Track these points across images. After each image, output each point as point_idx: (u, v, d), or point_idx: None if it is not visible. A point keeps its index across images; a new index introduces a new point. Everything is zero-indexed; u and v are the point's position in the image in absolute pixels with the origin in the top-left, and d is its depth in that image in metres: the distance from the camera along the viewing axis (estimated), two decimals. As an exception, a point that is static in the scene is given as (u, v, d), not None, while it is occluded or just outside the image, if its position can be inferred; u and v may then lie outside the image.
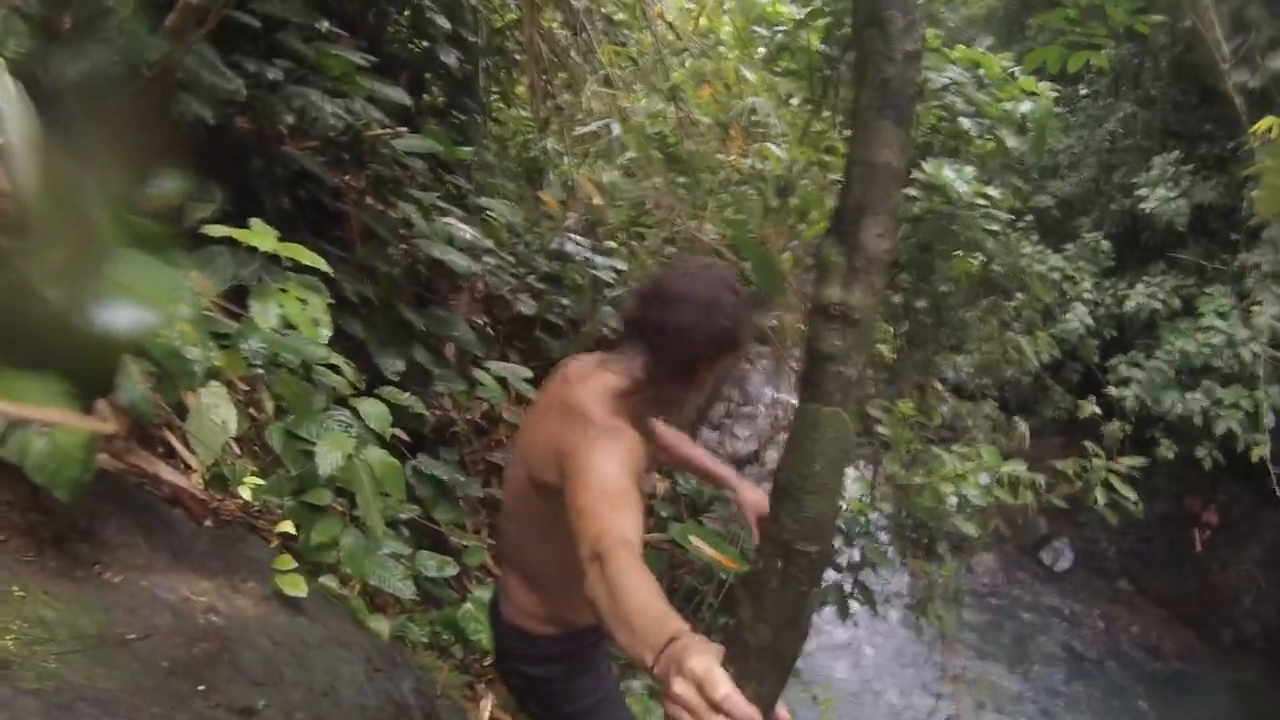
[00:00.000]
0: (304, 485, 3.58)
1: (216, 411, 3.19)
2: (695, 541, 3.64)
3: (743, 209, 6.87)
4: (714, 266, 2.56)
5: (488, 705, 4.21)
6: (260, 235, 3.66)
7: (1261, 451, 10.15)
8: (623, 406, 2.37)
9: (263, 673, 2.81)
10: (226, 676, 2.67)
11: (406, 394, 4.48)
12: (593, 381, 2.43)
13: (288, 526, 3.54)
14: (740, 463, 7.03)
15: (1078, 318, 12.44)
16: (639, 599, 1.75)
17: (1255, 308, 10.81)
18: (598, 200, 7.23)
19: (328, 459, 3.31)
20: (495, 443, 5.76)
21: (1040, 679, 10.98)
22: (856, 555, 5.07)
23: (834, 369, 2.16)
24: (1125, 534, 12.52)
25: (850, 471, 5.54)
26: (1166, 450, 11.27)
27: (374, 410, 3.77)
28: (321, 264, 3.71)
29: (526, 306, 6.39)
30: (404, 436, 4.54)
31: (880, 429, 5.25)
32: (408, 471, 4.62)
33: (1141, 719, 10.73)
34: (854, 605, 5.10)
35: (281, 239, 3.70)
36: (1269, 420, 10.42)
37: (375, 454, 3.54)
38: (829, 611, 5.25)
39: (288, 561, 3.29)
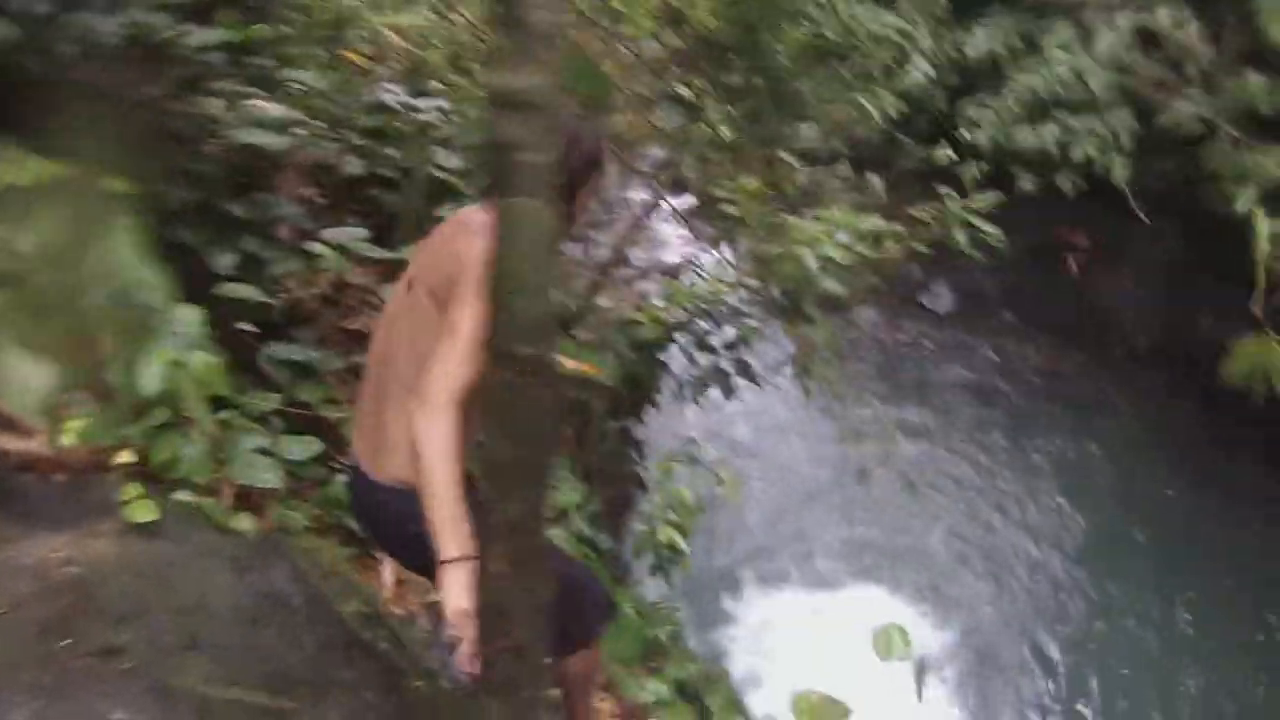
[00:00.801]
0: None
1: (17, 370, 3.10)
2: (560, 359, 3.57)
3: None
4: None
5: (388, 570, 4.15)
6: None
7: (1121, 173, 10.32)
8: None
9: (126, 607, 2.78)
10: (90, 622, 2.67)
11: (245, 287, 4.37)
12: (486, 216, 2.30)
13: (127, 456, 3.44)
14: (604, 268, 6.94)
15: (919, 69, 12.38)
16: (456, 492, 2.25)
17: (1097, 36, 10.88)
18: (404, 44, 6.92)
19: (145, 377, 3.21)
20: (348, 310, 5.59)
21: (944, 412, 11.28)
22: (731, 334, 5.04)
23: (521, 159, 1.97)
24: (1001, 269, 12.69)
25: (707, 256, 5.51)
26: (1026, 184, 11.42)
27: (187, 315, 3.66)
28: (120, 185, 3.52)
29: (353, 167, 6.13)
30: (253, 329, 4.50)
31: (731, 209, 5.17)
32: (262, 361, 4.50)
33: (1049, 436, 11.15)
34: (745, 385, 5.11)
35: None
36: (1125, 140, 10.58)
37: (198, 358, 3.42)
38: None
39: (132, 490, 3.20)
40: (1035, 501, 10.45)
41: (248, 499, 3.81)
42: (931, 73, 12.45)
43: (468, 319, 2.30)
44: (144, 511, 3.14)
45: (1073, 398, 11.81)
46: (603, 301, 6.66)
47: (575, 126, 2.55)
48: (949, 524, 10.01)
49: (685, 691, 5.76)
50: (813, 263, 4.56)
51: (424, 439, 2.27)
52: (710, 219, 5.76)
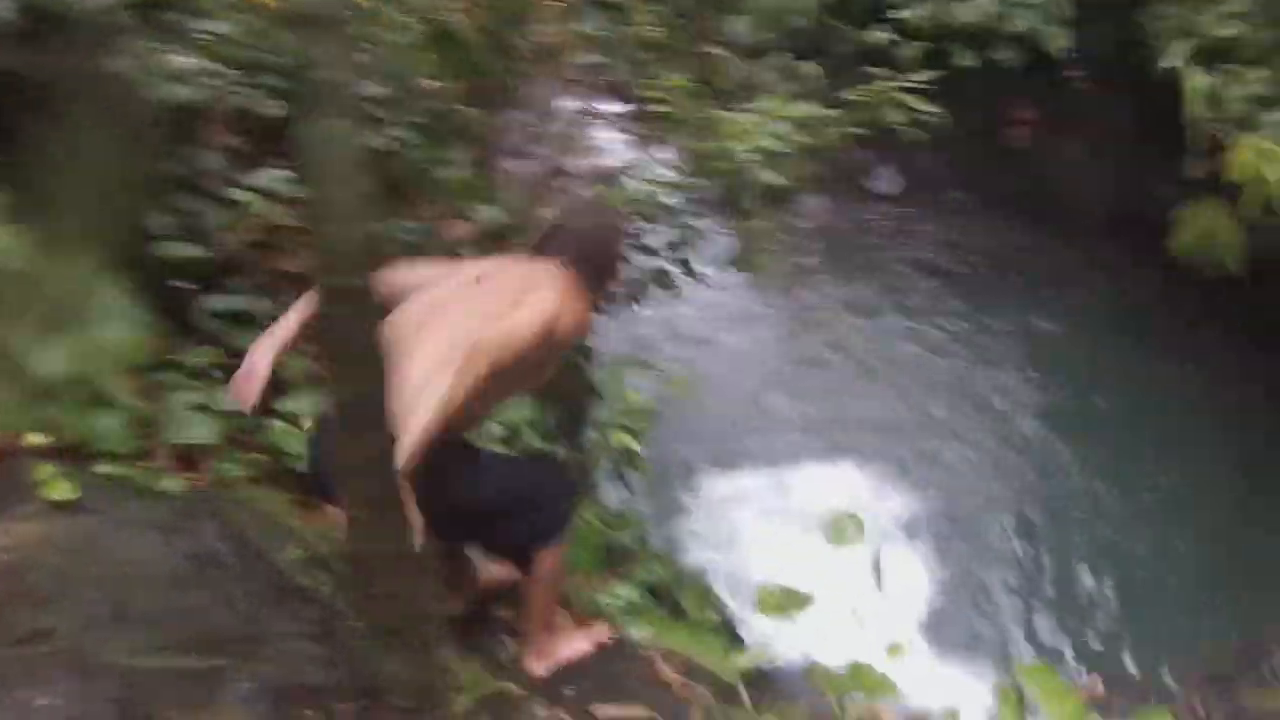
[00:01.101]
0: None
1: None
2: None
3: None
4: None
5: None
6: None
7: (1061, 42, 10.21)
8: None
9: (53, 588, 2.75)
10: (17, 608, 2.63)
11: (180, 244, 4.42)
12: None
13: (37, 438, 3.43)
14: (542, 178, 6.85)
15: (852, -49, 12.23)
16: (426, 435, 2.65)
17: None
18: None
19: (47, 359, 3.19)
20: (283, 253, 5.50)
21: (896, 293, 11.27)
22: (671, 236, 5.01)
23: (321, 77, 1.88)
24: (947, 148, 12.56)
25: (643, 158, 5.45)
26: (966, 59, 11.30)
27: (108, 287, 3.61)
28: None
29: (272, 109, 6.00)
30: (189, 285, 4.49)
31: (662, 109, 5.09)
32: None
33: (1004, 312, 11.19)
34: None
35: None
36: (1065, 9, 10.44)
37: (114, 331, 3.39)
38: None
39: (44, 470, 3.18)
40: (996, 376, 10.49)
41: (188, 459, 3.79)
42: (867, -47, 12.30)
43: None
44: (61, 490, 3.12)
45: (1026, 272, 11.82)
46: (544, 213, 6.59)
47: (617, 219, 3.76)
48: (909, 402, 10.03)
49: (656, 593, 5.81)
50: (746, 156, 4.50)
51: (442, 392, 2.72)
52: (644, 121, 5.67)
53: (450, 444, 2.82)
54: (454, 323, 2.93)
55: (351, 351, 2.02)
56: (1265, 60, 8.67)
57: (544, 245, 3.26)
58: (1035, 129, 12.64)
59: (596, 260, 3.24)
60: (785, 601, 3.30)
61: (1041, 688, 2.80)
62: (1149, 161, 11.01)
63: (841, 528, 3.15)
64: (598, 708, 3.13)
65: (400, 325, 2.89)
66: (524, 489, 3.21)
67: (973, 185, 12.78)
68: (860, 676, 3.19)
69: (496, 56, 5.89)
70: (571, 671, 3.35)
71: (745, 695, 3.24)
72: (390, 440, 2.16)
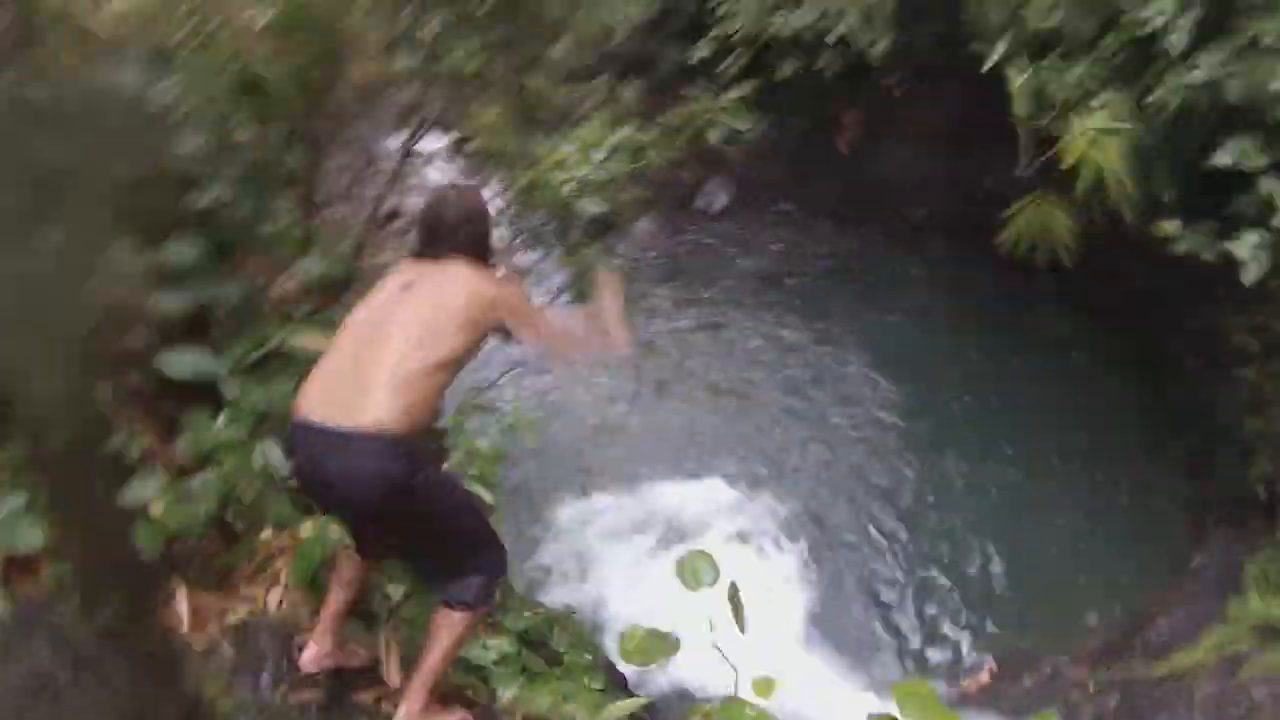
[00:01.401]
0: None
1: None
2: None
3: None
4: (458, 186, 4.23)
5: (183, 596, 3.86)
6: None
7: (882, 46, 10.33)
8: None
9: None
10: None
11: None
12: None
13: None
14: (371, 225, 6.63)
15: (667, -35, 12.26)
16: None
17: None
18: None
19: None
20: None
21: (735, 308, 11.36)
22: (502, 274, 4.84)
23: None
24: (775, 158, 12.78)
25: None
26: (788, 69, 11.41)
27: None
28: None
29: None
30: None
31: (481, 144, 4.94)
32: None
33: (845, 316, 11.37)
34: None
35: None
36: (885, 14, 10.55)
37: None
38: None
39: None
40: (842, 382, 10.66)
41: (26, 563, 3.48)
42: (682, -33, 12.35)
43: (544, 322, 3.84)
44: None
45: (862, 275, 12.03)
46: (379, 259, 6.38)
47: (472, 208, 3.73)
48: (757, 416, 10.17)
49: (529, 640, 5.65)
50: (568, 186, 4.38)
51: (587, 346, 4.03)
52: (466, 157, 5.52)
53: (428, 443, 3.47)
54: (407, 318, 3.29)
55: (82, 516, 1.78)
56: (1088, 49, 8.99)
57: (434, 246, 3.58)
58: (863, 133, 12.82)
59: (482, 241, 3.68)
60: (650, 646, 3.15)
61: (915, 708, 2.68)
62: (979, 158, 11.28)
63: (694, 569, 2.99)
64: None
65: (355, 332, 3.36)
66: (480, 532, 3.52)
67: (803, 194, 12.93)
68: (735, 715, 3.06)
69: (313, 99, 5.67)
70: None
71: (618, 758, 3.08)
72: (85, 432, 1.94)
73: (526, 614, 5.78)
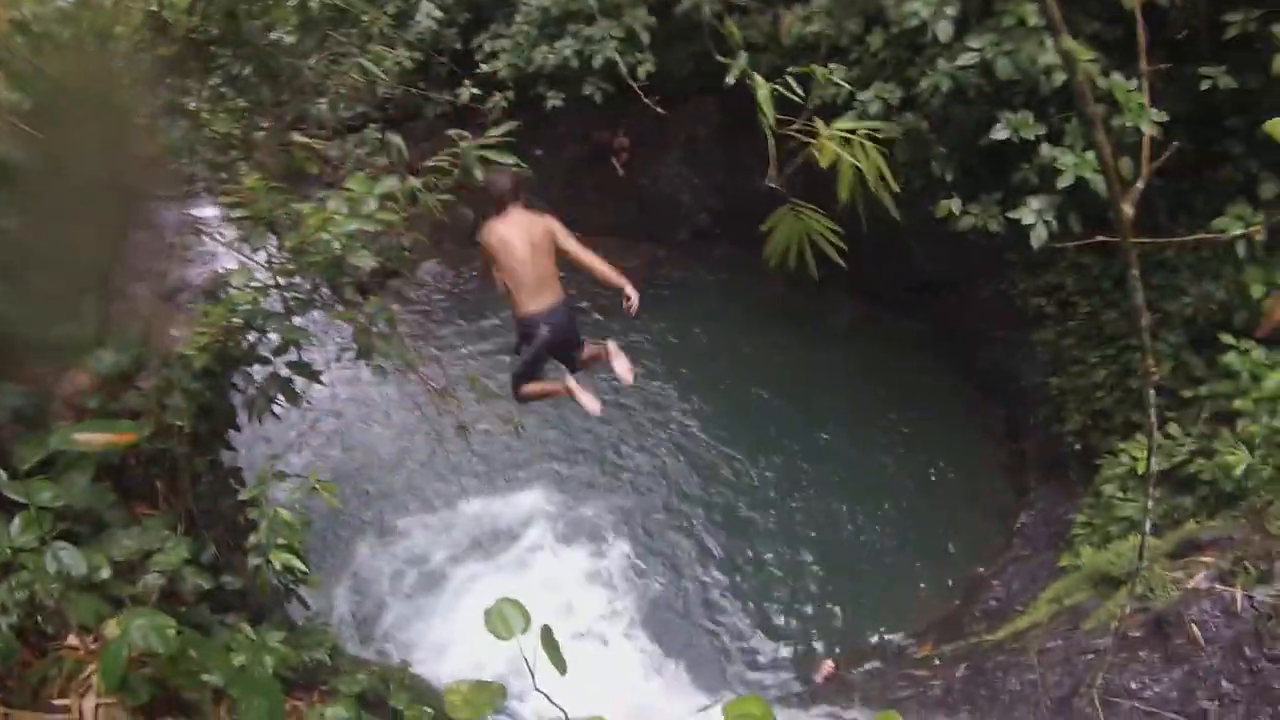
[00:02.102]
0: None
1: None
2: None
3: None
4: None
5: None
6: None
7: (647, 68, 10.56)
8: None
9: None
10: None
11: None
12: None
13: None
14: (159, 300, 6.48)
15: (424, 14, 12.29)
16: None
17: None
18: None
19: None
20: None
21: None
22: (281, 340, 4.79)
23: None
24: (550, 186, 12.95)
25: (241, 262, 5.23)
26: (554, 100, 11.59)
27: None
28: None
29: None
30: None
31: (245, 209, 4.88)
32: None
33: (640, 327, 11.56)
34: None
35: None
36: (644, 38, 10.81)
37: None
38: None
39: None
40: (647, 387, 10.81)
41: None
42: (439, 14, 12.40)
43: (577, 243, 6.37)
44: None
45: (653, 287, 12.11)
46: (175, 333, 6.23)
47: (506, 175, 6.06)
48: (570, 429, 10.30)
49: (368, 702, 5.58)
50: (336, 244, 4.37)
51: (598, 263, 6.33)
52: (235, 224, 5.43)
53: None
54: (537, 244, 6.21)
55: None
56: (847, 52, 9.39)
57: (512, 201, 6.26)
58: (635, 154, 13.09)
59: (527, 194, 6.43)
60: (476, 698, 3.15)
61: None
62: (747, 165, 11.66)
63: (503, 617, 3.01)
64: None
65: (521, 260, 6.20)
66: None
67: (580, 218, 13.00)
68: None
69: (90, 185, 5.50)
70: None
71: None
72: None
73: (361, 675, 5.69)
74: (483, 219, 6.21)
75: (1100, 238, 2.39)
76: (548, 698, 2.97)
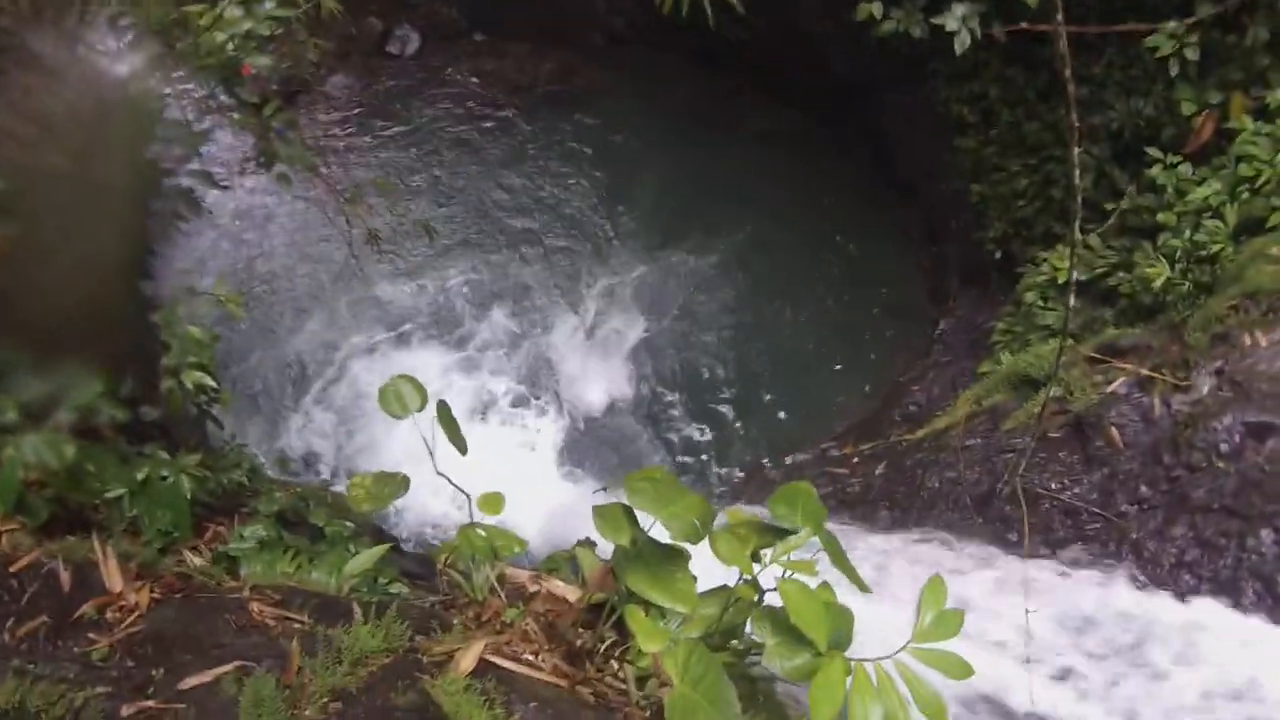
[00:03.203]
0: None
1: None
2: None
3: None
4: None
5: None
6: None
7: None
8: None
9: None
10: None
11: None
12: None
13: None
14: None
15: None
16: None
17: None
18: None
19: None
20: None
21: (442, 140, 11.18)
22: (175, 151, 4.56)
23: None
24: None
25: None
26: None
27: None
28: None
29: None
30: None
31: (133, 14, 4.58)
32: None
33: (554, 136, 11.31)
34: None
35: None
36: None
37: None
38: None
39: None
40: (561, 196, 10.67)
41: None
42: None
43: None
44: None
45: (567, 94, 11.86)
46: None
47: None
48: (483, 241, 10.15)
49: (288, 520, 5.55)
50: (231, 45, 4.11)
51: None
52: (125, 33, 5.09)
53: None
54: None
55: None
56: None
57: None
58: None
59: None
60: (379, 490, 3.10)
61: (646, 493, 2.65)
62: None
63: (398, 394, 2.92)
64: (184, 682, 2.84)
65: None
66: None
67: (496, 25, 12.55)
68: (472, 541, 3.06)
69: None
70: (161, 648, 3.03)
71: (357, 609, 3.06)
72: None
73: (279, 494, 5.66)
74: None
75: (1030, 25, 2.27)
76: (448, 479, 2.94)
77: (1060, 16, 1.84)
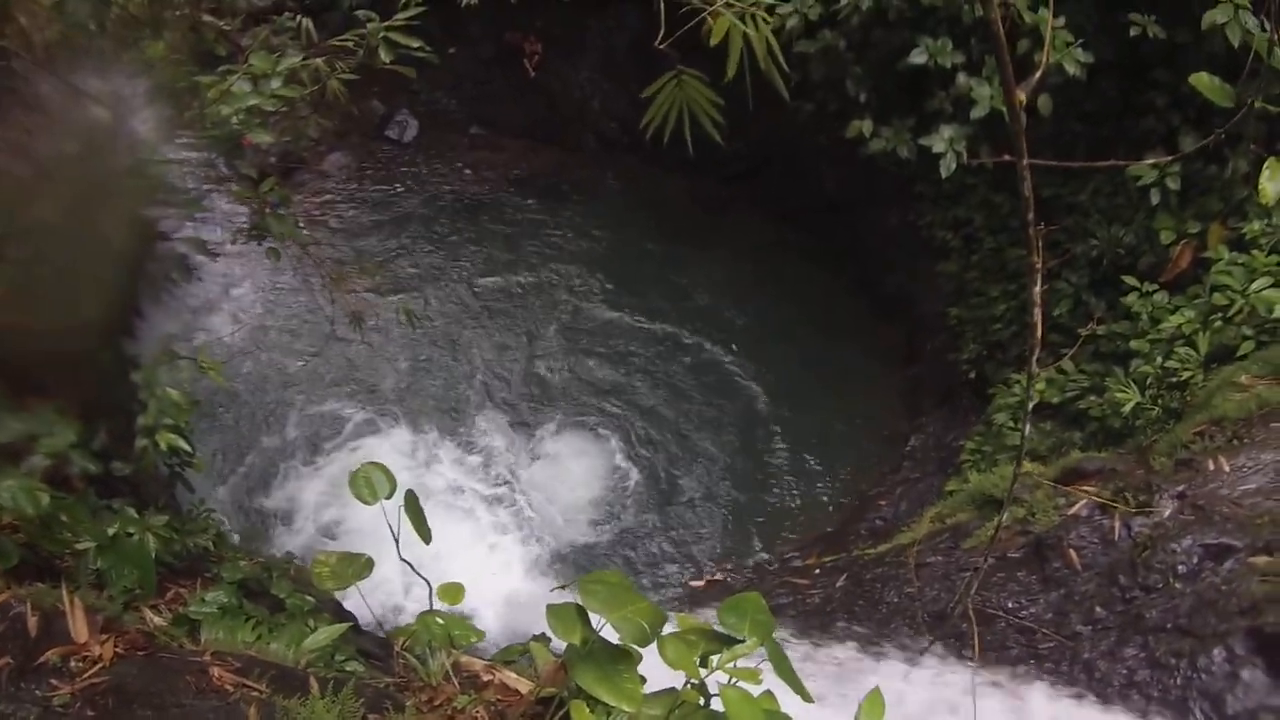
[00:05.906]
0: None
1: None
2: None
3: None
4: None
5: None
6: None
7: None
8: None
9: None
10: None
11: None
12: None
13: None
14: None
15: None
16: None
17: None
18: None
19: None
20: None
21: (428, 237, 11.28)
22: (180, 215, 4.66)
23: None
24: (461, 86, 12.67)
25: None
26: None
27: None
28: None
29: None
30: None
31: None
32: None
33: (545, 230, 11.54)
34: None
35: None
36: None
37: None
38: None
39: None
40: (549, 293, 10.81)
41: None
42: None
43: None
44: None
45: (559, 192, 12.13)
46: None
47: None
48: (469, 333, 10.23)
49: (250, 590, 5.54)
50: (234, 119, 4.23)
51: None
52: (139, 96, 5.23)
53: None
54: None
55: None
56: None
57: None
58: (547, 56, 12.82)
59: None
60: (343, 569, 3.13)
61: (599, 595, 2.71)
62: (661, 68, 11.50)
63: (368, 481, 2.97)
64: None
65: None
66: None
67: (493, 119, 12.86)
68: (430, 628, 3.09)
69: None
70: (122, 701, 3.05)
71: (314, 683, 3.08)
72: None
73: (243, 563, 5.66)
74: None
75: (1002, 158, 2.38)
76: (411, 566, 2.98)
77: (1025, 161, 1.94)
